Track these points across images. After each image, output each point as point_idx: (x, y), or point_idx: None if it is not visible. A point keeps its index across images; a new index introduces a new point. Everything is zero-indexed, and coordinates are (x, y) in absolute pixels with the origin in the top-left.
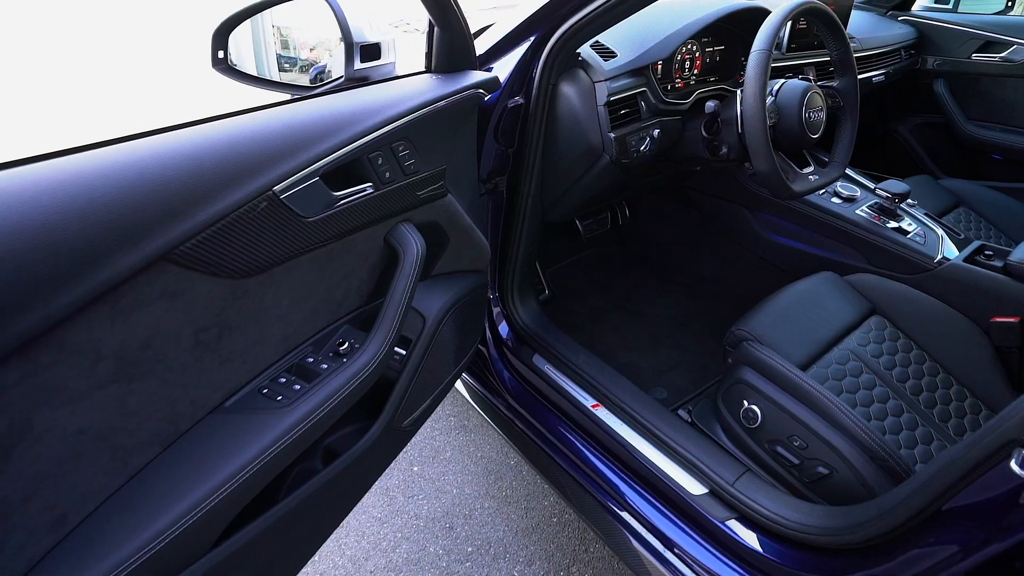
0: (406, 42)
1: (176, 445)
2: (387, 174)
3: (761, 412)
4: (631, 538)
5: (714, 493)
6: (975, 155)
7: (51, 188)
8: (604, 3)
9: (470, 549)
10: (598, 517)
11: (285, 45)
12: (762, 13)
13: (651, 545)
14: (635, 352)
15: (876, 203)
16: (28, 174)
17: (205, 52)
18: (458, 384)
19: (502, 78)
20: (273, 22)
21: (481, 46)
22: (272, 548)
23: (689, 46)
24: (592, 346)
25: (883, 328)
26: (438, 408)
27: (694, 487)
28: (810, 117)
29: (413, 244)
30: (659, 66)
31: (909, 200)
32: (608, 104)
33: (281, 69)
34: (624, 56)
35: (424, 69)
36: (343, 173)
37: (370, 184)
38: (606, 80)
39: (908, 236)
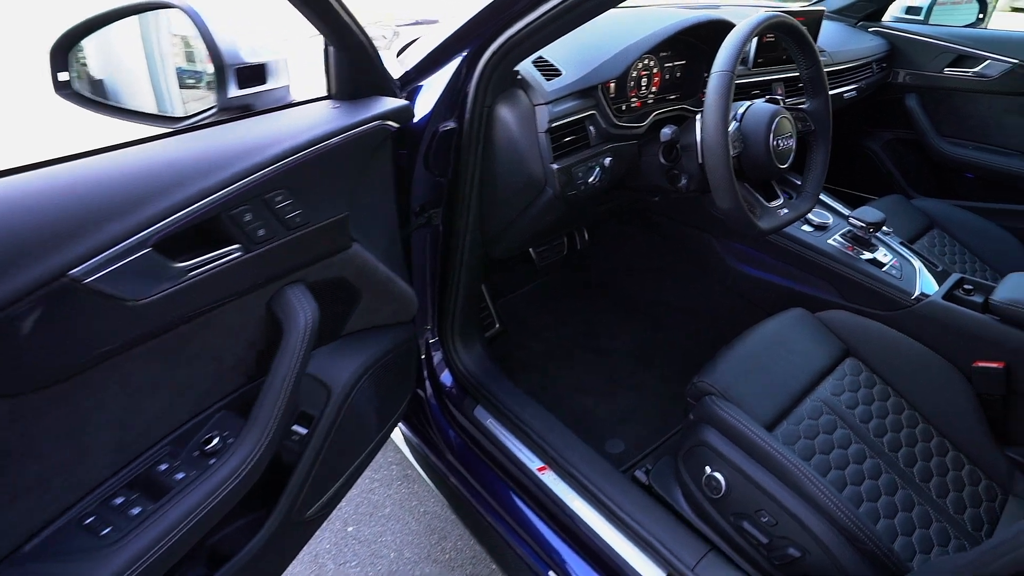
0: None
1: None
2: (261, 231)
3: (725, 481)
4: None
5: None
6: (948, 173)
7: None
8: (545, 14)
9: None
10: None
11: (190, 57)
12: (726, 27)
13: None
14: (592, 396)
15: (850, 232)
16: None
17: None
18: (397, 435)
19: (432, 98)
20: (173, 29)
21: (410, 61)
22: None
23: (646, 61)
24: (545, 389)
25: (858, 373)
26: (379, 456)
27: (650, 571)
28: (778, 145)
29: (301, 313)
30: (611, 85)
31: (884, 228)
32: (550, 131)
33: (183, 86)
34: (570, 74)
35: (325, 95)
36: (195, 236)
37: (238, 246)
38: (547, 103)
39: (884, 269)
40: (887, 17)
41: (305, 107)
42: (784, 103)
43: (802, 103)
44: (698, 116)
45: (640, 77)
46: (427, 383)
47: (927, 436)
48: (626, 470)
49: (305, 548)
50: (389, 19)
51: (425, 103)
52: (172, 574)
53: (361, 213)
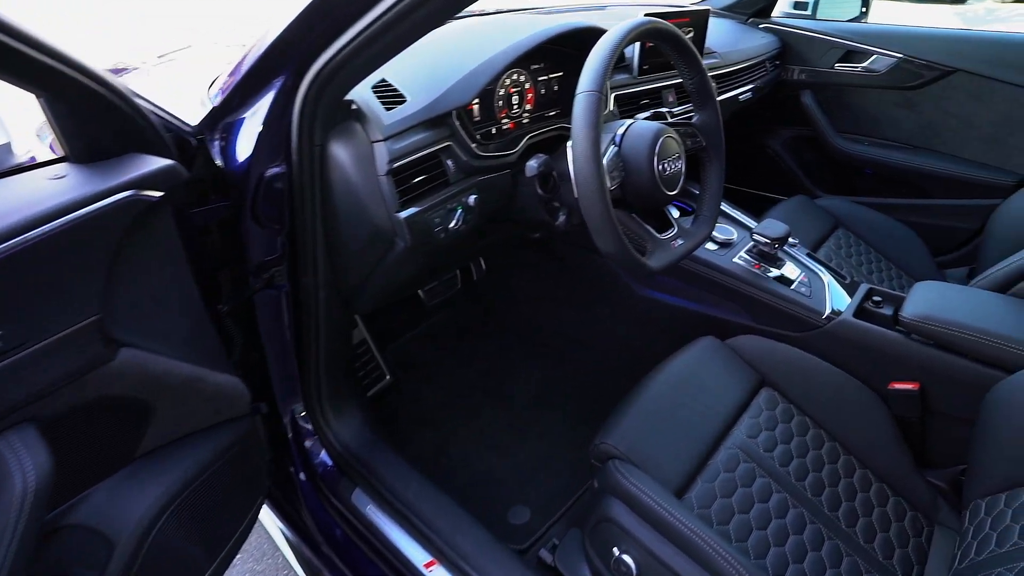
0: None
1: None
2: None
3: (636, 565)
4: None
5: None
6: (848, 170)
7: None
8: (373, 24)
9: None
10: None
11: None
12: (598, 35)
13: None
14: (494, 451)
15: (755, 247)
16: None
17: None
18: (266, 519)
19: (252, 137)
20: None
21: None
22: None
23: (515, 77)
24: (442, 450)
25: (774, 406)
26: (249, 543)
27: None
28: (665, 169)
29: (16, 473)
30: (474, 107)
31: (791, 239)
32: (393, 172)
33: None
34: (416, 100)
35: (63, 156)
36: None
37: None
38: (387, 139)
39: (792, 286)
40: (776, 12)
41: (24, 176)
42: (671, 115)
43: (691, 117)
44: (569, 144)
45: (510, 95)
46: (299, 465)
47: (849, 470)
48: (530, 547)
49: None
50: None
51: (246, 143)
52: None
53: (132, 307)
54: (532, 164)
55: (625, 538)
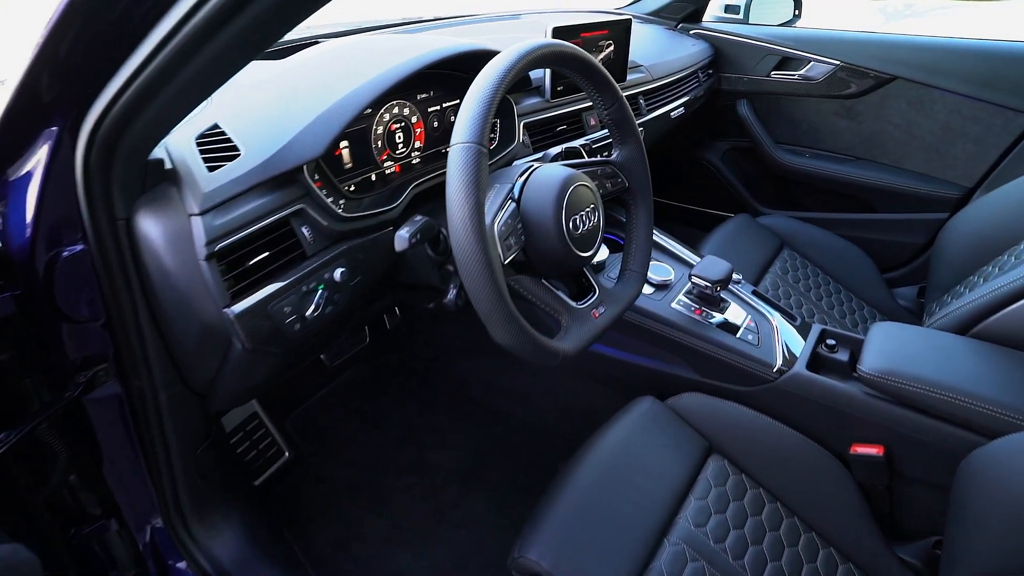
0: None
1: None
2: None
3: None
4: None
5: None
6: (790, 183)
7: None
8: (161, 53)
9: None
10: None
11: None
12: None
13: None
14: (407, 550)
15: (695, 289)
16: None
17: None
18: None
19: (31, 206)
20: None
21: None
22: None
23: (397, 110)
24: (347, 550)
25: (724, 479)
26: None
27: None
28: (576, 227)
29: None
30: (342, 152)
31: (734, 275)
32: (217, 255)
33: None
34: (252, 153)
35: None
36: None
37: None
38: (206, 211)
39: (738, 334)
40: (708, 17)
41: None
42: (593, 145)
43: (611, 153)
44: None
45: (392, 132)
46: None
47: (812, 552)
48: None
49: None
50: None
51: (23, 215)
52: None
53: None
54: (403, 234)
55: None
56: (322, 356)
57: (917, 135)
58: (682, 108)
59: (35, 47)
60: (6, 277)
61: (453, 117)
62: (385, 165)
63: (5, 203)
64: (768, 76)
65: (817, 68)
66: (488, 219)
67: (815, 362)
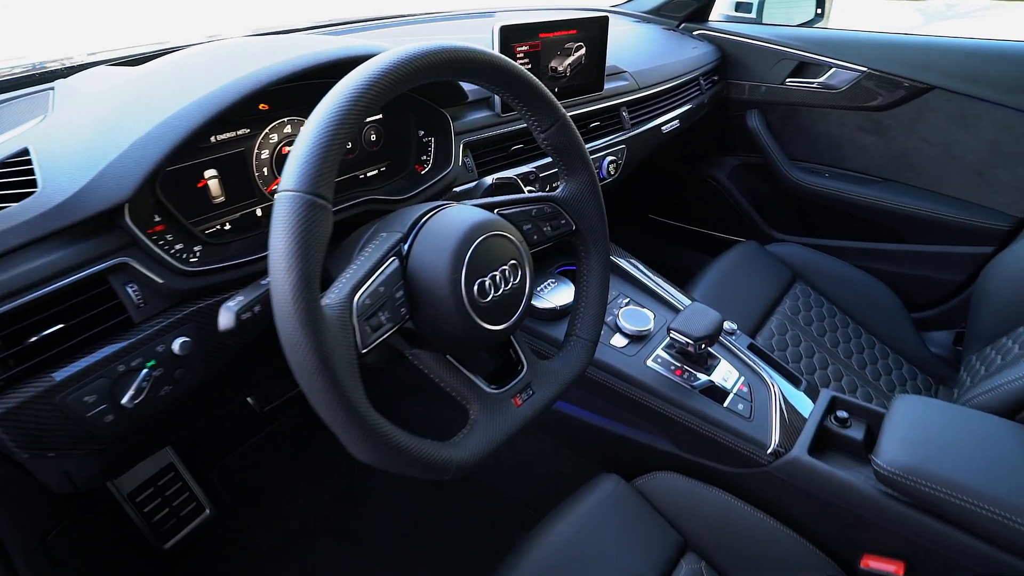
0: None
1: None
2: None
3: None
4: None
5: None
6: (806, 205)
7: None
8: None
9: None
10: None
11: None
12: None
13: None
14: None
15: (677, 345)
16: None
17: None
18: None
19: None
20: None
21: None
22: None
23: (289, 128)
24: None
25: None
26: None
27: None
28: (484, 293)
29: None
30: (208, 183)
31: (728, 325)
32: None
33: None
34: (51, 191)
35: None
36: None
37: None
38: None
39: (727, 401)
40: (715, 16)
41: None
42: (535, 179)
43: (553, 188)
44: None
45: (284, 156)
46: None
47: None
48: None
49: None
50: None
51: None
52: None
53: None
54: (230, 305)
55: None
56: (249, 400)
57: (957, 155)
58: (677, 121)
59: None
60: None
61: (374, 135)
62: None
63: None
64: (782, 84)
65: (840, 75)
66: (345, 289)
67: (822, 438)
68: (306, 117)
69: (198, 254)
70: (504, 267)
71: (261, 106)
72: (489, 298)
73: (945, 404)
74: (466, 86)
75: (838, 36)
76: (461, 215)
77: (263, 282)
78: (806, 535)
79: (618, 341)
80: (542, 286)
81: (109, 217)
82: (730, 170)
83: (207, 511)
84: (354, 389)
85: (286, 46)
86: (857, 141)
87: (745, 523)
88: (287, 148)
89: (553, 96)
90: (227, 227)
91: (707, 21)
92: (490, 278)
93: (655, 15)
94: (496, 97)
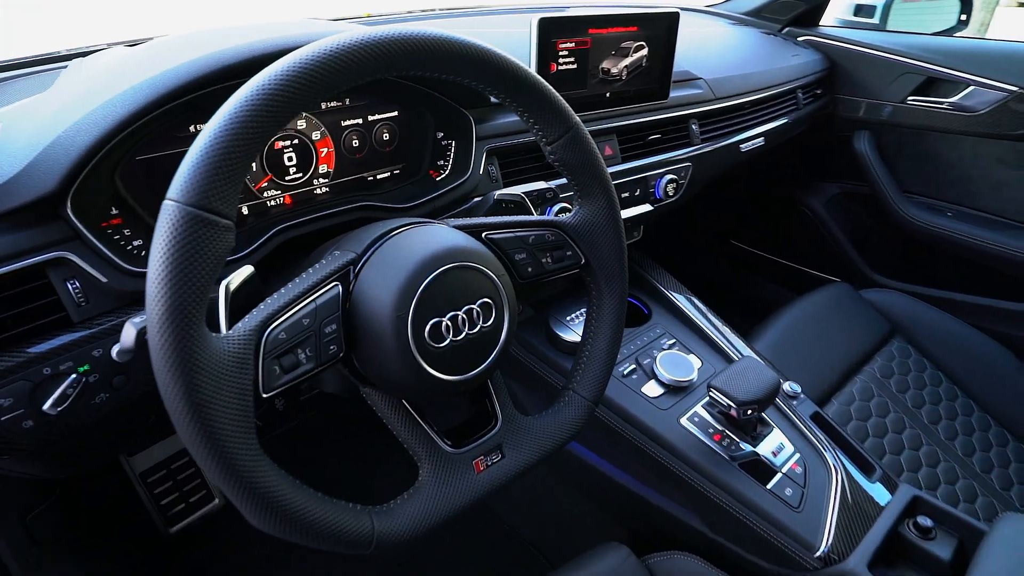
0: None
1: None
2: None
3: None
4: None
5: None
6: (918, 247)
7: None
8: None
9: None
10: None
11: None
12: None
13: None
14: None
15: (718, 406)
16: None
17: None
18: None
19: None
20: None
21: None
22: None
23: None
24: None
25: None
26: None
27: None
28: (440, 337)
29: None
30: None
31: (789, 387)
32: None
33: None
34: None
35: None
36: None
37: None
38: None
39: (772, 482)
40: (828, 19)
41: None
42: (552, 197)
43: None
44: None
45: (276, 152)
46: None
47: None
48: None
49: None
50: None
51: None
52: None
53: None
54: (129, 326)
55: None
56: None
57: None
58: (761, 139)
59: None
60: None
61: (387, 133)
62: (267, 195)
63: None
64: (904, 102)
65: (980, 95)
66: (255, 320)
67: (892, 548)
68: (308, 112)
69: (120, 259)
70: (471, 306)
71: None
72: (445, 343)
73: None
74: None
75: (982, 47)
76: (425, 237)
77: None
78: None
79: (652, 389)
80: (573, 315)
81: (49, 207)
82: (828, 199)
83: (216, 500)
84: (238, 443)
85: (268, 30)
86: (994, 176)
87: None
88: (279, 143)
89: (563, 100)
90: None
91: (817, 26)
92: (449, 319)
93: (755, 17)
94: None
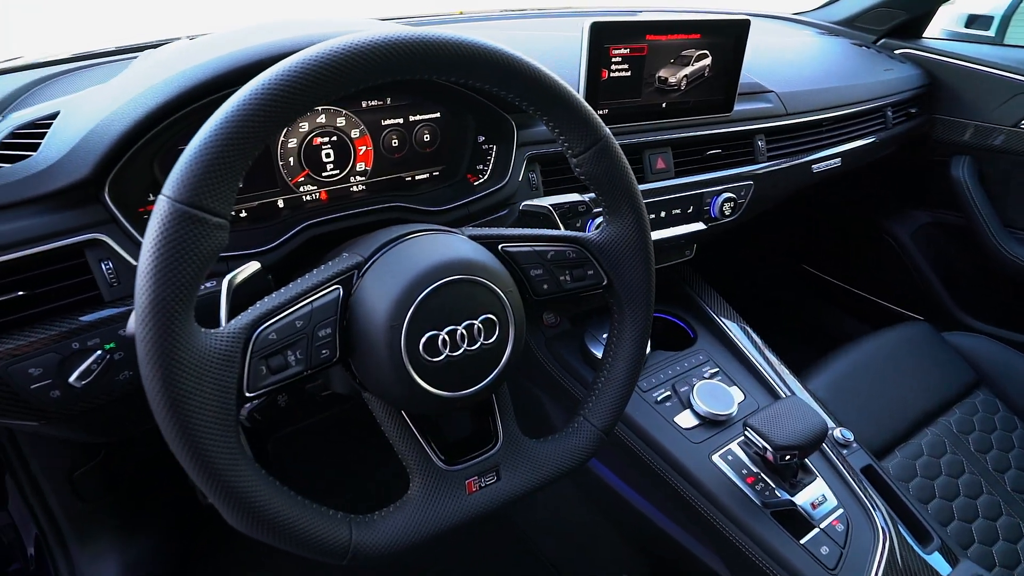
0: None
1: None
2: None
3: None
4: None
5: None
6: (1017, 288)
7: None
8: None
9: None
10: None
11: None
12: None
13: None
14: None
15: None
16: None
17: None
18: None
19: None
20: None
21: None
22: None
23: (323, 118)
24: None
25: None
26: None
27: None
28: (436, 351)
29: None
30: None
31: (841, 434)
32: None
33: None
34: (41, 158)
35: None
36: None
37: None
38: None
39: (807, 538)
40: (934, 31)
41: None
42: (586, 208)
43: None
44: None
45: (314, 147)
46: None
47: None
48: None
49: None
50: None
51: None
52: None
53: None
54: (132, 318)
55: None
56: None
57: None
58: (838, 160)
59: None
60: None
61: (428, 135)
62: (303, 190)
63: None
64: (1017, 126)
65: None
66: (247, 318)
67: None
68: (348, 110)
69: None
70: (472, 321)
71: None
72: (441, 357)
73: None
74: None
75: None
76: (431, 247)
77: (208, 284)
78: None
79: (685, 420)
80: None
81: (90, 190)
82: (915, 228)
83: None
84: (216, 440)
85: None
86: None
87: None
88: (318, 139)
89: (590, 110)
90: (243, 214)
91: (920, 38)
92: (447, 332)
93: (847, 27)
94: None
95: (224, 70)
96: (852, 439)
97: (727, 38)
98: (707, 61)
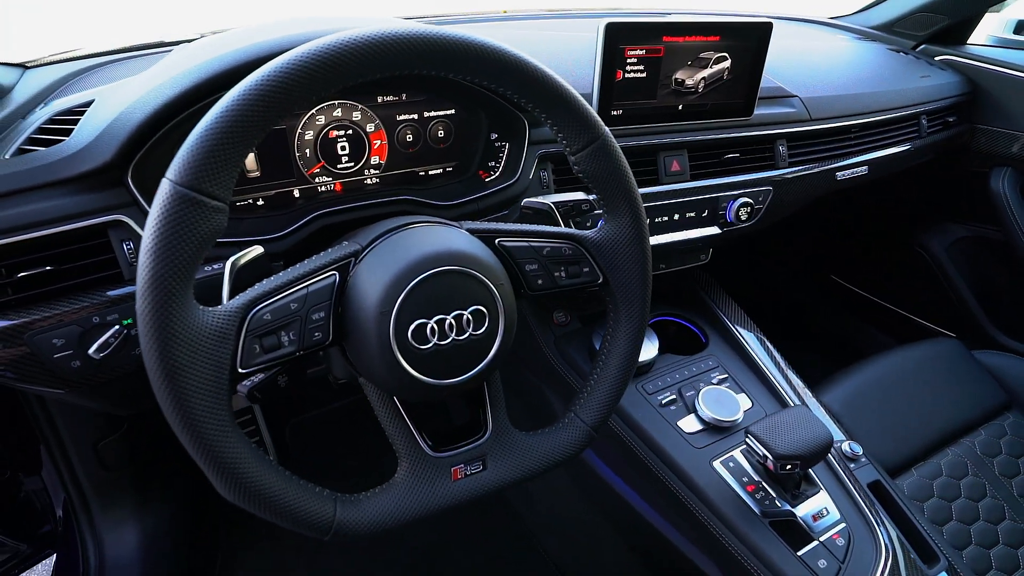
0: None
1: None
2: None
3: None
4: None
5: None
6: None
7: None
8: None
9: None
10: None
11: None
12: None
13: None
14: None
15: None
16: None
17: None
18: None
19: None
20: None
21: None
22: None
23: (339, 112)
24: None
25: None
26: None
27: None
28: (425, 339)
29: None
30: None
31: (849, 448)
32: None
33: None
34: (72, 143)
35: None
36: None
37: None
38: None
39: (805, 550)
40: (978, 38)
41: None
42: (590, 206)
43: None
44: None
45: (331, 140)
46: None
47: None
48: None
49: None
50: None
51: None
52: None
53: None
54: None
55: None
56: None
57: None
58: (864, 168)
59: None
60: None
61: (442, 131)
62: (319, 181)
63: None
64: None
65: None
66: (243, 299)
67: None
68: (364, 104)
69: None
70: (462, 312)
71: None
72: (430, 345)
73: None
74: None
75: None
76: (425, 238)
77: (215, 266)
78: None
79: (689, 424)
80: None
81: (116, 173)
82: (950, 242)
83: (269, 457)
84: (207, 411)
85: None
86: None
87: None
88: (334, 132)
89: (588, 108)
90: (260, 202)
91: (963, 44)
92: (436, 321)
93: (886, 32)
94: (596, 98)
95: (238, 63)
96: (861, 453)
97: (748, 41)
98: (726, 64)
